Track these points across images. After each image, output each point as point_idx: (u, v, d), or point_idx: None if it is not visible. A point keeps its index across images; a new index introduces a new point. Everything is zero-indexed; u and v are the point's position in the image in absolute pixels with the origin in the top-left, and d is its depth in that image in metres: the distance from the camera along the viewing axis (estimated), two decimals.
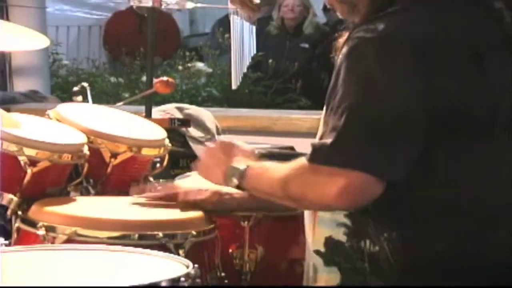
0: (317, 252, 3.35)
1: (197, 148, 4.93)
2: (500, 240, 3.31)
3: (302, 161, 3.15)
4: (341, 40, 3.26)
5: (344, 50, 3.08)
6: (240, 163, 3.45)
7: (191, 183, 4.07)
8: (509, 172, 3.30)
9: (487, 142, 3.21)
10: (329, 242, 3.30)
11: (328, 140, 3.07)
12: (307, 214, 3.45)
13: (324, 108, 3.22)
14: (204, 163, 3.67)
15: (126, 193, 4.07)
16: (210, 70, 10.38)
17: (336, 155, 3.04)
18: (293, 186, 3.23)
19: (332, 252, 3.31)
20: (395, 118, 3.06)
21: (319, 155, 3.09)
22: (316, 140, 3.22)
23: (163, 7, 4.95)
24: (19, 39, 4.12)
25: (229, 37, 10.05)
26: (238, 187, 3.44)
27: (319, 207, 3.34)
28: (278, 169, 3.31)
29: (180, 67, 10.08)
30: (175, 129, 4.48)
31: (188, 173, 4.54)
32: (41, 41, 4.02)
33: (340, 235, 3.28)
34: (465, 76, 3.12)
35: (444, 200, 3.19)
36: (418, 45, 3.07)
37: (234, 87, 9.47)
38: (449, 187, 3.17)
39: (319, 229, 3.36)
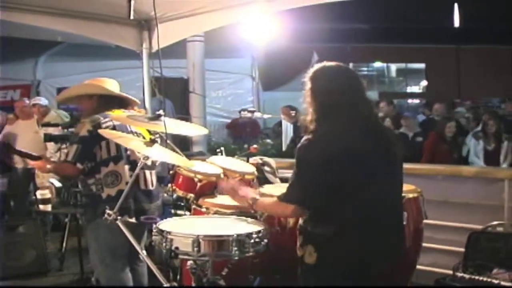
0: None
1: (267, 175, 4.89)
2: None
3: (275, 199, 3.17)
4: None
5: (298, 145, 3.03)
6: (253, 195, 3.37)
7: None
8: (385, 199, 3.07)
9: (364, 183, 2.95)
10: (299, 225, 3.13)
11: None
12: None
13: None
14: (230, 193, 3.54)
15: None
16: (272, 142, 10.34)
17: (288, 198, 3.03)
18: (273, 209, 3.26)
19: (301, 228, 3.10)
20: (312, 183, 2.94)
21: (285, 197, 3.05)
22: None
23: (254, 117, 4.90)
24: (196, 131, 4.10)
25: (281, 129, 10.04)
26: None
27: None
28: (268, 201, 3.28)
29: (260, 141, 10.03)
30: (259, 167, 4.43)
31: None
32: (204, 131, 4.00)
33: (301, 222, 3.11)
34: (345, 158, 2.89)
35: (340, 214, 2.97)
36: (323, 147, 2.91)
37: (284, 149, 9.42)
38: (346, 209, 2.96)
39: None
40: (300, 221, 3.14)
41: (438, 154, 8.32)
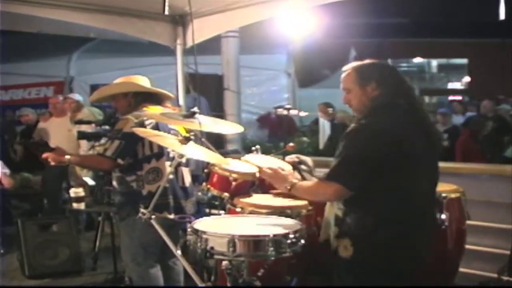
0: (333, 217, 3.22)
1: (304, 174, 4.84)
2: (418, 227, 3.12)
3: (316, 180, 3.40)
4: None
5: (347, 130, 3.12)
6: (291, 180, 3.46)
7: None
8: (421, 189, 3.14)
9: (408, 174, 3.04)
10: (337, 216, 3.17)
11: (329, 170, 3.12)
12: (328, 204, 3.41)
13: None
14: (272, 176, 3.59)
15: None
16: (308, 140, 10.30)
17: (331, 176, 3.08)
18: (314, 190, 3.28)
19: (337, 220, 3.16)
20: (359, 163, 3.01)
21: (328, 176, 3.11)
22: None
23: (290, 114, 4.87)
24: (232, 128, 4.08)
25: (318, 127, 10.00)
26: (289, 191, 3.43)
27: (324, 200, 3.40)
28: (308, 184, 3.43)
29: (296, 139, 9.97)
30: (295, 165, 4.39)
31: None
32: (240, 129, 3.97)
33: (340, 213, 3.16)
34: (395, 146, 2.99)
35: (381, 200, 3.04)
36: (374, 132, 3.03)
37: (320, 147, 9.36)
38: (386, 196, 3.04)
39: (332, 209, 3.25)
40: (337, 211, 3.19)
41: (470, 154, 8.15)
